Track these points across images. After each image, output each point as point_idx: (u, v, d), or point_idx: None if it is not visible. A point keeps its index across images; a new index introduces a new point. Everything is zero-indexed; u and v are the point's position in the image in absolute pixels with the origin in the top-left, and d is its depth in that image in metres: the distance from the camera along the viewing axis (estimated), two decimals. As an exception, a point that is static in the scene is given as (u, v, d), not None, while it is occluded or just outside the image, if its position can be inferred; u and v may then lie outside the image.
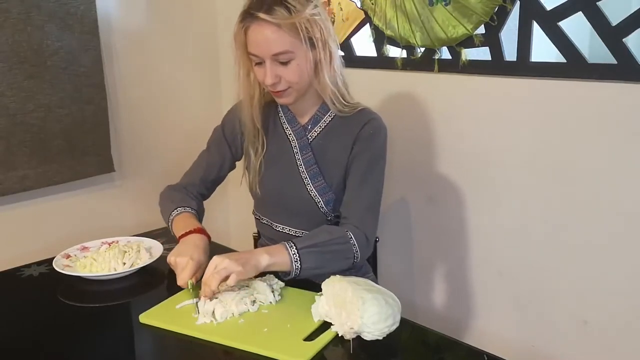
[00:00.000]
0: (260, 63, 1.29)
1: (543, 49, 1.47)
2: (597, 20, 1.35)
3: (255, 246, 1.75)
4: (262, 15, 1.23)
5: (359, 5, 1.82)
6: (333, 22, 1.86)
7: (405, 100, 1.78)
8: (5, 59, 1.70)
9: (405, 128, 1.75)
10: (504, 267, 1.66)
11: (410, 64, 1.73)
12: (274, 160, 1.43)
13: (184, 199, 1.48)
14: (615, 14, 1.34)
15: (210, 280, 1.15)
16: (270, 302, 1.20)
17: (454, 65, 1.63)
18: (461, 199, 1.71)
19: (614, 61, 1.35)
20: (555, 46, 1.44)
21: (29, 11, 1.72)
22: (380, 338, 1.07)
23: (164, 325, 1.13)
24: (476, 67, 1.60)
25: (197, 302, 1.17)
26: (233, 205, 2.40)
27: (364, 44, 1.87)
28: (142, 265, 1.37)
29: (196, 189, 1.52)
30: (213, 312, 1.14)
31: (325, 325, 1.11)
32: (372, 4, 1.77)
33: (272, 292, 1.21)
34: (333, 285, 1.12)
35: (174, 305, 1.20)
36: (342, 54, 1.39)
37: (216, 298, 1.17)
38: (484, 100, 1.60)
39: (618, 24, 1.33)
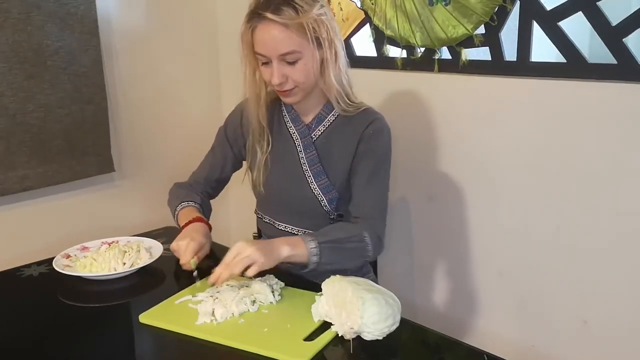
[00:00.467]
0: (266, 63, 1.30)
1: (543, 49, 1.47)
2: (597, 20, 1.35)
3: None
4: (269, 15, 1.23)
5: (359, 5, 1.82)
6: (333, 22, 1.86)
7: (406, 100, 1.78)
8: (5, 59, 1.69)
9: (405, 128, 1.75)
10: (504, 267, 1.66)
11: (410, 64, 1.73)
12: (278, 159, 1.44)
13: (188, 194, 1.51)
14: (615, 14, 1.34)
15: (234, 266, 1.15)
16: (270, 302, 1.20)
17: (454, 65, 1.63)
18: (461, 198, 1.71)
19: (614, 61, 1.35)
20: (555, 46, 1.44)
21: (29, 11, 1.72)
22: (380, 338, 1.07)
23: (164, 325, 1.13)
24: (476, 67, 1.60)
25: (195, 274, 1.25)
26: (234, 205, 2.40)
27: (364, 44, 1.87)
28: (142, 265, 1.37)
29: (201, 187, 1.55)
30: (213, 312, 1.14)
31: (325, 325, 1.11)
32: (372, 4, 1.77)
33: (272, 292, 1.21)
34: (333, 285, 1.12)
35: (174, 305, 1.20)
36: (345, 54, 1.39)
37: (216, 298, 1.18)
38: (484, 100, 1.61)
39: (618, 24, 1.33)
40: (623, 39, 1.32)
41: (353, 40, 1.88)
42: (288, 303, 1.20)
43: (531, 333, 1.63)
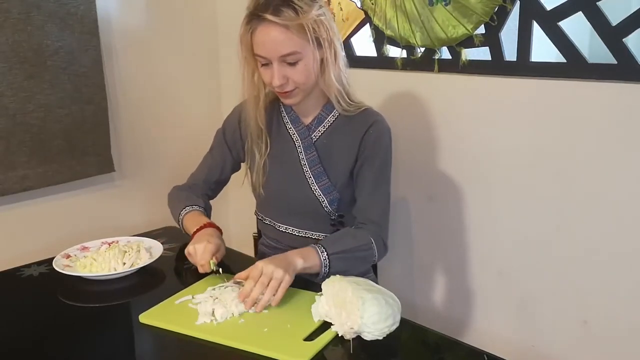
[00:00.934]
0: (266, 64, 1.29)
1: (543, 49, 1.47)
2: (597, 20, 1.35)
3: (256, 246, 1.75)
4: (269, 16, 1.23)
5: (359, 5, 1.82)
6: (333, 22, 1.86)
7: (405, 100, 1.78)
8: (5, 59, 1.69)
9: (405, 128, 1.75)
10: (504, 267, 1.66)
11: (410, 64, 1.73)
12: (278, 161, 1.43)
13: (190, 197, 1.50)
14: (615, 14, 1.34)
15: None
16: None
17: (454, 65, 1.63)
18: (461, 198, 1.71)
19: (614, 61, 1.35)
20: (555, 46, 1.44)
21: (29, 11, 1.72)
22: (380, 338, 1.07)
23: (164, 325, 1.13)
24: (476, 67, 1.60)
25: (216, 269, 1.28)
26: (233, 206, 2.40)
27: (364, 44, 1.87)
28: (142, 265, 1.37)
29: (200, 190, 1.54)
30: (213, 312, 1.14)
31: (325, 325, 1.11)
32: (372, 4, 1.77)
33: (272, 292, 1.21)
34: (333, 285, 1.12)
35: (174, 305, 1.20)
36: (343, 53, 1.39)
37: (216, 298, 1.18)
38: (484, 100, 1.60)
39: (618, 24, 1.33)
40: (623, 39, 1.32)
41: (353, 40, 1.88)
42: (288, 303, 1.20)
43: (531, 333, 1.63)
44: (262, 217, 1.53)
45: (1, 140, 1.72)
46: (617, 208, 1.41)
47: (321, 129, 1.41)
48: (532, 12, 1.46)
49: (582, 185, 1.46)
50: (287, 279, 1.17)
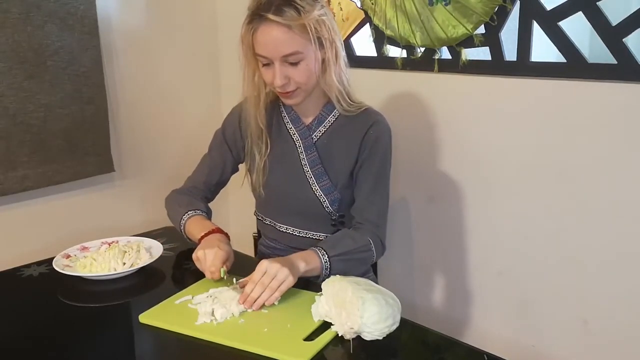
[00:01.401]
0: (267, 64, 1.29)
1: (543, 49, 1.47)
2: (597, 20, 1.35)
3: (256, 246, 1.75)
4: (271, 16, 1.22)
5: (359, 5, 1.82)
6: (333, 22, 1.86)
7: (405, 100, 1.78)
8: (5, 59, 1.69)
9: (405, 128, 1.75)
10: (504, 267, 1.66)
11: (410, 64, 1.73)
12: (278, 161, 1.43)
13: (192, 201, 1.48)
14: (615, 14, 1.34)
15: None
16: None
17: (454, 65, 1.63)
18: (461, 198, 1.71)
19: (614, 61, 1.35)
20: (555, 46, 1.44)
21: (29, 11, 1.72)
22: (380, 338, 1.07)
23: (164, 325, 1.13)
24: (476, 67, 1.60)
25: (227, 277, 1.26)
26: (233, 206, 2.40)
27: (364, 44, 1.87)
28: (142, 265, 1.37)
29: (200, 193, 1.52)
30: (213, 312, 1.14)
31: (325, 325, 1.11)
32: (372, 3, 1.77)
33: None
34: (333, 285, 1.12)
35: (174, 305, 1.20)
36: (344, 53, 1.39)
37: (216, 298, 1.18)
38: (484, 100, 1.60)
39: (618, 24, 1.33)
40: (623, 39, 1.32)
41: (353, 40, 1.88)
42: (288, 303, 1.20)
43: (531, 333, 1.63)
44: (262, 217, 1.52)
45: (1, 140, 1.72)
46: (617, 208, 1.41)
47: (322, 129, 1.41)
48: (532, 12, 1.46)
49: (582, 185, 1.46)
50: (290, 280, 1.17)
